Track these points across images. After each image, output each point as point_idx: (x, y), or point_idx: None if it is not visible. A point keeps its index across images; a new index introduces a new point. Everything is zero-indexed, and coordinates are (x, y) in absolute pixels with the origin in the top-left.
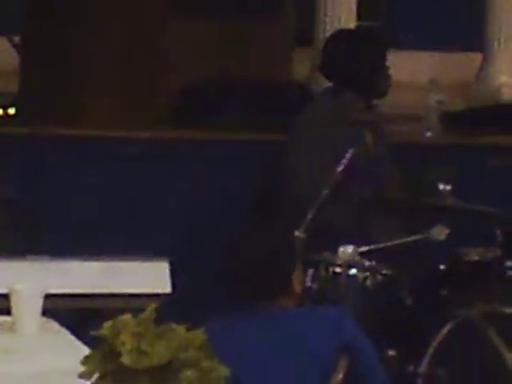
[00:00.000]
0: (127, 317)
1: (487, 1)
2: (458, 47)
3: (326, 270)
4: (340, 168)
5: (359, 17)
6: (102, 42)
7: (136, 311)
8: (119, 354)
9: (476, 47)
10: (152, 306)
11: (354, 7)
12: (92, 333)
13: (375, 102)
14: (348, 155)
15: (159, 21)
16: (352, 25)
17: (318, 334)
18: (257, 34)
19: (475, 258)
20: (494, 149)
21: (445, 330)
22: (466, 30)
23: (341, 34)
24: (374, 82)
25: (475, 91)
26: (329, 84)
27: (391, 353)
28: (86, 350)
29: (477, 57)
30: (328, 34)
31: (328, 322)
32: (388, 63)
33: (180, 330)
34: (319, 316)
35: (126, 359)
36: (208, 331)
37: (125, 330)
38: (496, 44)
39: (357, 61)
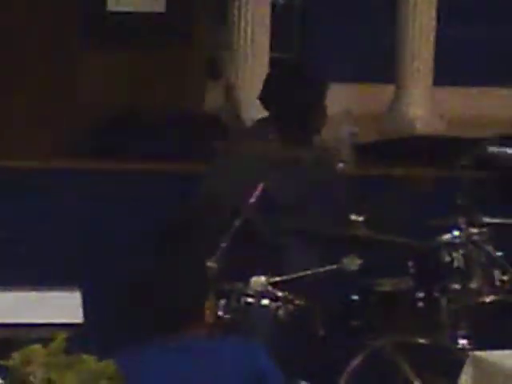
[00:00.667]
0: (37, 347)
1: (400, 33)
2: (371, 79)
3: (238, 300)
4: (252, 200)
5: (271, 48)
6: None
7: (47, 341)
8: None
9: (389, 79)
10: (62, 336)
11: (266, 38)
12: (1, 363)
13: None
14: (259, 188)
15: (69, 50)
16: (265, 56)
17: (229, 365)
18: (169, 63)
19: (387, 288)
20: (406, 180)
21: (356, 361)
22: (380, 62)
23: (284, 68)
24: (311, 117)
25: (388, 123)
26: (264, 115)
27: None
28: None
29: (389, 89)
30: (240, 66)
31: (239, 353)
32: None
33: (90, 360)
34: (230, 347)
35: None
36: (120, 362)
37: (34, 360)
38: (409, 76)
39: (296, 94)
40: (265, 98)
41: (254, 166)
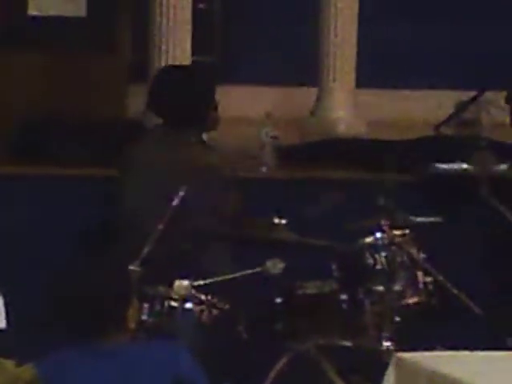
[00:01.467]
0: None
1: (321, 35)
2: (293, 82)
3: (162, 303)
4: (174, 203)
5: (193, 52)
6: None
7: None
8: None
9: (311, 82)
10: None
11: (188, 42)
12: None
13: (205, 136)
14: (183, 189)
15: None
16: (187, 60)
17: (153, 369)
18: (91, 68)
19: (311, 291)
20: (328, 183)
21: (280, 364)
22: (301, 65)
23: (167, 71)
24: (201, 116)
25: (310, 125)
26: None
27: None
28: None
29: (312, 92)
30: None
31: (162, 356)
32: (223, 98)
33: (9, 365)
34: (153, 351)
35: None
36: (42, 367)
37: None
38: (331, 78)
39: (183, 97)
40: (153, 105)
41: (173, 172)
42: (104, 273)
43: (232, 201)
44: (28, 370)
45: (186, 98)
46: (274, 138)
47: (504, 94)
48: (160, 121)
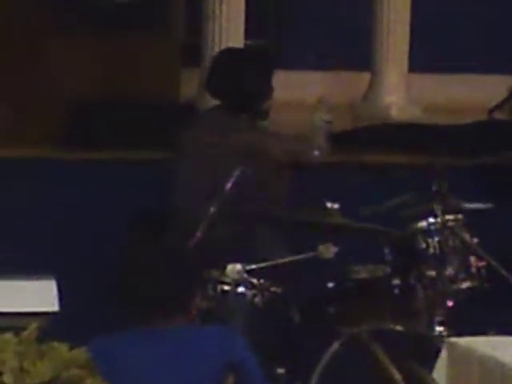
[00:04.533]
0: (9, 335)
1: (374, 20)
2: (345, 66)
3: (214, 288)
4: (228, 186)
5: (247, 35)
6: None
7: (21, 330)
8: (1, 373)
9: (364, 67)
10: (33, 325)
11: (241, 25)
12: None
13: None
14: (236, 173)
15: (41, 37)
16: (240, 43)
17: (205, 353)
18: (144, 52)
19: (363, 276)
20: (381, 167)
21: (333, 348)
22: (354, 49)
23: (228, 53)
24: (259, 102)
25: (363, 111)
26: (215, 102)
27: (280, 371)
28: None
29: (365, 76)
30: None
31: (215, 341)
32: (275, 82)
33: (63, 348)
34: (206, 335)
35: (7, 378)
36: (94, 350)
37: (6, 349)
38: (383, 63)
39: (243, 80)
40: (211, 86)
41: (225, 157)
42: (165, 255)
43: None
44: (81, 354)
45: (246, 81)
46: (327, 122)
47: None
48: (213, 105)
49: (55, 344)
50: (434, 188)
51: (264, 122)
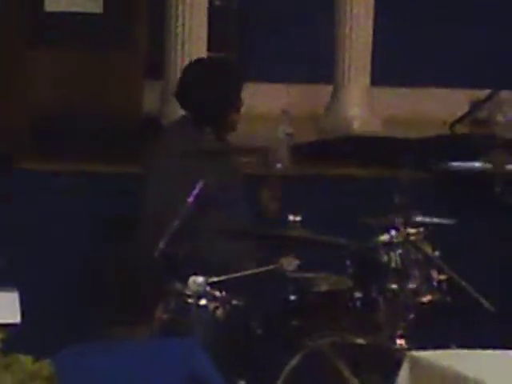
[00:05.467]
0: None
1: (336, 33)
2: (308, 79)
3: (177, 300)
4: (190, 199)
5: (209, 49)
6: None
7: None
8: None
9: (326, 79)
10: None
11: (204, 39)
12: None
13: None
14: (198, 186)
15: (3, 50)
16: (203, 56)
17: (165, 365)
18: (107, 64)
19: (325, 288)
20: (342, 180)
21: (295, 361)
22: (316, 62)
23: (199, 63)
24: (229, 113)
25: (325, 123)
26: (178, 116)
27: (241, 383)
28: None
29: (327, 89)
30: (178, 66)
31: (176, 353)
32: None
33: (27, 361)
34: (167, 347)
35: None
36: (58, 362)
37: None
38: (346, 76)
39: (213, 91)
40: (181, 97)
41: (189, 168)
42: (130, 263)
43: (265, 199)
44: (45, 366)
45: (219, 91)
46: (290, 135)
47: None
48: (178, 116)
49: (20, 356)
50: (395, 201)
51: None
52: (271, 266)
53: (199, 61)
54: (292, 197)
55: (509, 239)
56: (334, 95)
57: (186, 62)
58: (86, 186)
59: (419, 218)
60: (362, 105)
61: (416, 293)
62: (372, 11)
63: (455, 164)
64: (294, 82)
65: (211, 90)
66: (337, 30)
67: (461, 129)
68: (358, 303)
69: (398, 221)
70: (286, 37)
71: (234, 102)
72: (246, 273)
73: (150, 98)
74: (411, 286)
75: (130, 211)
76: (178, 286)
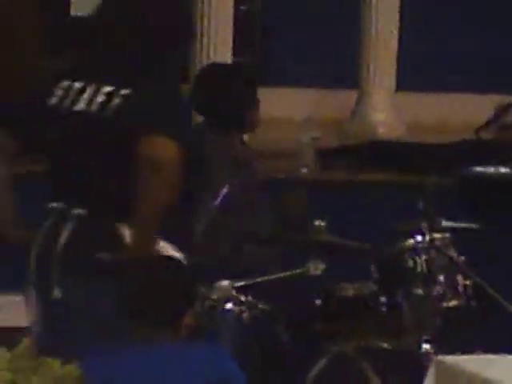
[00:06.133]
0: (2, 350)
1: (362, 38)
2: (333, 84)
3: (202, 304)
4: (216, 203)
5: (234, 53)
6: None
7: (12, 345)
8: None
9: (351, 84)
10: (26, 340)
11: (229, 43)
12: None
13: (245, 137)
14: (224, 190)
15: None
16: (228, 61)
17: (193, 370)
18: None
19: (350, 293)
20: (367, 185)
21: (320, 365)
22: (341, 67)
23: (211, 69)
24: (244, 116)
25: (350, 128)
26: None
27: None
28: None
29: (352, 94)
30: None
31: (203, 358)
32: (263, 99)
33: (55, 364)
34: (193, 352)
35: None
36: (87, 366)
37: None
38: (371, 81)
39: (226, 95)
40: (196, 101)
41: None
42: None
43: (290, 204)
44: (73, 370)
45: (227, 96)
46: (315, 139)
47: None
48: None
49: (48, 360)
50: (420, 206)
51: (252, 134)
52: (297, 271)
53: (210, 67)
54: (317, 202)
55: None
56: (359, 100)
57: (206, 64)
58: None
59: (444, 223)
60: (386, 110)
61: (441, 298)
62: (397, 15)
63: (481, 169)
64: (319, 87)
65: (223, 93)
66: (362, 34)
67: (486, 134)
68: (383, 308)
69: (424, 226)
70: (310, 41)
71: (250, 100)
72: (272, 277)
73: None
74: (436, 290)
75: None
76: (204, 289)
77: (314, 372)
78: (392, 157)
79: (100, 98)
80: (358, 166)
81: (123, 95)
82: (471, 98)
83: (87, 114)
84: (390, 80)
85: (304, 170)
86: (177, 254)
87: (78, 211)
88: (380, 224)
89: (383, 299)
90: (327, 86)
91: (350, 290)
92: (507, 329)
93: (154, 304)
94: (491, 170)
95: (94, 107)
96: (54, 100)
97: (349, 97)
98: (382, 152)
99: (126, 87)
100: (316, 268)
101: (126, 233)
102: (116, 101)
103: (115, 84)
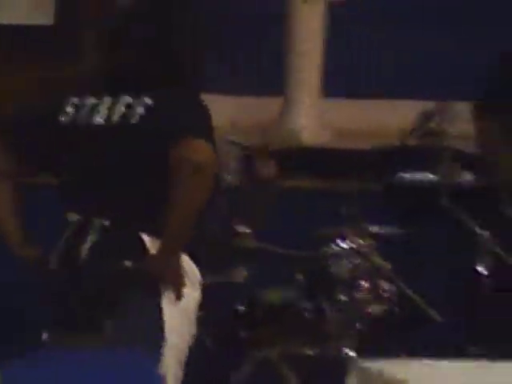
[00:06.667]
0: None
1: (285, 44)
2: (257, 91)
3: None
4: None
5: None
6: None
7: None
8: None
9: (276, 91)
10: None
11: None
12: None
13: None
14: None
15: None
16: None
17: (116, 376)
18: (56, 76)
19: (274, 299)
20: (292, 191)
21: (244, 371)
22: (267, 73)
23: None
24: None
25: (274, 135)
26: None
27: None
28: None
29: (277, 101)
30: None
31: (127, 363)
32: None
33: None
34: (118, 358)
35: None
36: (8, 374)
37: None
38: (296, 88)
39: None
40: None
41: None
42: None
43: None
44: None
45: None
46: (239, 145)
47: (469, 104)
48: None
49: None
50: (345, 212)
51: None
52: (220, 278)
53: None
54: (241, 207)
55: (455, 251)
56: (284, 107)
57: None
58: None
59: (369, 229)
60: (311, 116)
61: (364, 303)
62: (322, 22)
63: (404, 175)
64: (244, 94)
65: None
66: (287, 41)
67: (411, 140)
68: (307, 314)
69: (348, 232)
70: (235, 47)
71: None
72: None
73: None
74: (360, 296)
75: None
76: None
77: (237, 378)
78: (316, 163)
79: (120, 109)
80: (283, 173)
81: (146, 104)
82: (397, 103)
83: (108, 126)
84: (315, 86)
85: (229, 177)
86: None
87: (100, 222)
88: (304, 230)
89: (307, 305)
90: (253, 93)
91: (274, 297)
92: (429, 334)
93: (77, 306)
94: (416, 175)
95: (116, 118)
96: (66, 116)
97: (274, 104)
98: (306, 158)
99: (147, 96)
100: (239, 274)
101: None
102: (139, 110)
103: (135, 93)
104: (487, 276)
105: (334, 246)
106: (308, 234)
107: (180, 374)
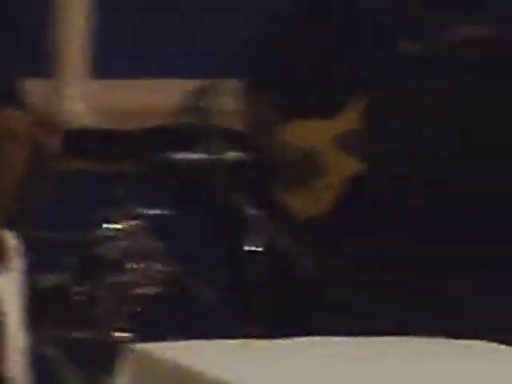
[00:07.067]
0: None
1: (52, 24)
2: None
3: None
4: None
5: None
6: None
7: None
8: None
9: (43, 72)
10: None
11: None
12: None
13: None
14: None
15: None
16: None
17: None
18: None
19: (44, 284)
20: (62, 175)
21: None
22: (17, 54)
23: None
24: None
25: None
26: None
27: None
28: None
29: (48, 83)
30: None
31: None
32: None
33: None
34: None
35: None
36: None
37: None
38: (63, 70)
39: None
40: None
41: None
42: None
43: None
44: None
45: None
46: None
47: (235, 81)
48: None
49: None
50: (115, 194)
51: None
52: None
53: None
54: None
55: (226, 230)
56: (52, 88)
57: None
58: None
59: (138, 210)
60: (77, 98)
61: (137, 285)
62: (91, 4)
63: (173, 155)
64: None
65: None
66: (54, 23)
67: (180, 119)
68: (78, 297)
69: (117, 214)
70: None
71: None
72: None
73: None
74: (131, 278)
75: None
76: None
77: None
78: (85, 144)
79: None
80: (53, 156)
81: None
82: (167, 82)
83: None
84: (81, 67)
85: None
86: None
87: None
88: (75, 213)
89: (77, 289)
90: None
91: (43, 281)
92: (205, 314)
93: None
94: (185, 155)
95: None
96: None
97: (45, 86)
98: (75, 140)
99: None
100: None
101: None
102: None
103: None
104: (260, 255)
105: (103, 229)
106: (77, 217)
107: None
